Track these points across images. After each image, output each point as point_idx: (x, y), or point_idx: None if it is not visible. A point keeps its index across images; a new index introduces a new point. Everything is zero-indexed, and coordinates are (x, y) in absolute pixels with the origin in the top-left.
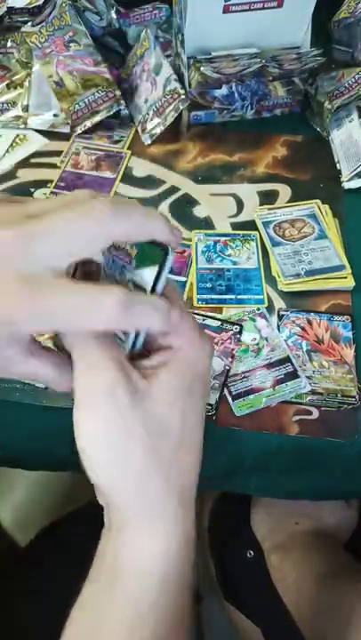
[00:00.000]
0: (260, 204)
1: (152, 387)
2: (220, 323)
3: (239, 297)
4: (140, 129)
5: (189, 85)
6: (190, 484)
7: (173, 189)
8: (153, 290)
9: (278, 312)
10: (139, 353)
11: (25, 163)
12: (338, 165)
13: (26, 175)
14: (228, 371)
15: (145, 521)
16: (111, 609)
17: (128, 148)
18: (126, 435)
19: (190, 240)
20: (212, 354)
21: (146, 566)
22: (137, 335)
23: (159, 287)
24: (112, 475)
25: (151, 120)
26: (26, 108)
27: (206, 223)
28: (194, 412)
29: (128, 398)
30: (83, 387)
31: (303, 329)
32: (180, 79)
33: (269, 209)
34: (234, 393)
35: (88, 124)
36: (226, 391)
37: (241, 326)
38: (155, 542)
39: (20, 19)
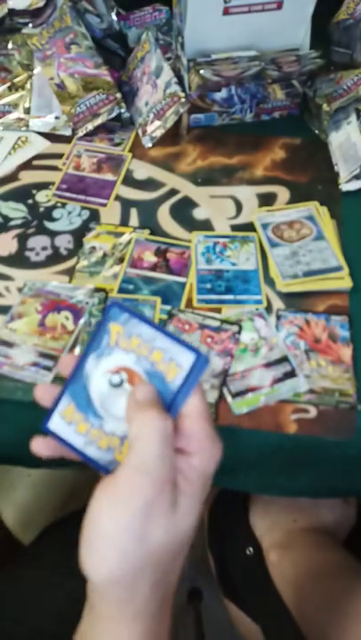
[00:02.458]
0: (259, 206)
1: (180, 499)
2: (219, 323)
3: (238, 297)
4: (140, 131)
5: (189, 88)
6: (174, 568)
7: (174, 192)
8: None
9: (277, 312)
10: None
11: (26, 165)
12: (336, 167)
13: (27, 177)
14: (227, 370)
15: (121, 608)
16: None
17: (129, 151)
18: (141, 545)
19: (190, 241)
20: (219, 460)
21: (119, 636)
22: None
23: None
24: (110, 573)
25: (152, 123)
26: (27, 111)
27: (206, 225)
28: (199, 510)
29: (164, 514)
30: (120, 483)
31: (301, 329)
32: (181, 82)
33: (268, 211)
34: (233, 392)
35: (89, 126)
36: (225, 390)
37: (240, 326)
38: (125, 624)
39: (20, 20)
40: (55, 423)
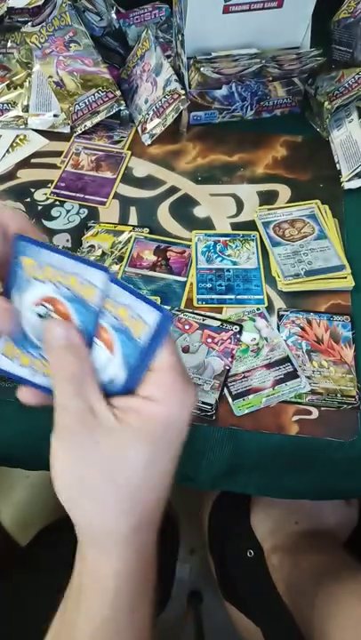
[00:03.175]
0: (260, 205)
1: (120, 428)
2: (220, 323)
3: (239, 297)
4: (140, 129)
5: (189, 86)
6: (150, 516)
7: (173, 190)
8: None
9: (278, 312)
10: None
11: (25, 163)
12: (338, 166)
13: (26, 175)
14: (228, 370)
15: (100, 542)
16: (77, 621)
17: (128, 149)
18: (87, 467)
19: (190, 240)
20: (193, 406)
21: (101, 583)
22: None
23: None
24: (71, 498)
25: (151, 120)
26: (26, 109)
27: (206, 223)
28: (162, 459)
29: (91, 437)
30: (56, 421)
31: (303, 329)
32: (181, 79)
33: (269, 209)
34: (234, 393)
35: (88, 124)
36: (226, 391)
37: (241, 326)
38: (108, 562)
39: (20, 19)
40: (2, 362)
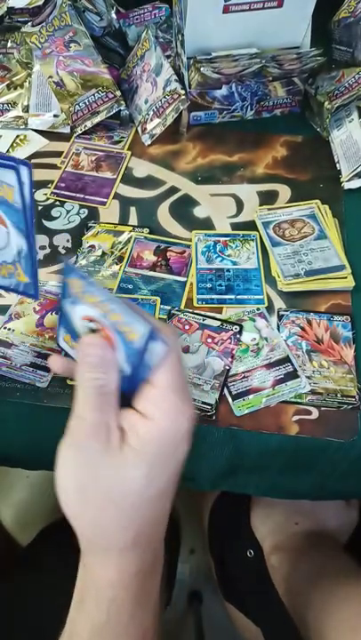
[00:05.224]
0: (260, 205)
1: (122, 448)
2: (219, 323)
3: (239, 297)
4: (140, 129)
5: (189, 86)
6: (149, 532)
7: (173, 190)
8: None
9: (278, 312)
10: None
11: None
12: (338, 165)
13: None
14: (228, 370)
15: (97, 551)
16: (78, 625)
17: (128, 149)
18: (92, 480)
19: (190, 240)
20: (188, 425)
21: (99, 591)
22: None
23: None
24: (73, 506)
25: (151, 120)
26: (26, 109)
27: (206, 223)
28: (159, 479)
29: (100, 452)
30: (70, 428)
31: (303, 329)
32: (181, 79)
33: (269, 209)
34: (234, 393)
35: (88, 124)
36: (226, 391)
37: (241, 326)
38: (106, 572)
39: (20, 19)
40: (62, 343)
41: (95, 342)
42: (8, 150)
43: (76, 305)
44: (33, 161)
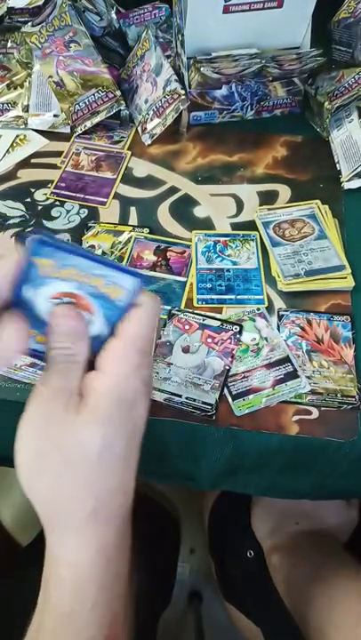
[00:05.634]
0: (260, 205)
1: (81, 409)
2: (219, 323)
3: (239, 297)
4: (140, 129)
5: (189, 86)
6: (109, 507)
7: (173, 190)
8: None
9: (278, 312)
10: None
11: (25, 163)
12: (338, 166)
13: (26, 175)
14: (228, 370)
15: (55, 526)
16: (43, 614)
17: (128, 149)
18: (49, 447)
19: (190, 240)
20: (147, 385)
21: (61, 575)
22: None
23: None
24: (29, 473)
25: (151, 120)
26: (26, 109)
27: (206, 223)
28: (116, 443)
29: (58, 417)
30: (34, 393)
31: (303, 329)
32: (181, 79)
33: (269, 209)
34: (234, 393)
35: (88, 124)
36: (226, 391)
37: (241, 326)
38: (65, 552)
39: (20, 19)
40: (36, 345)
41: (66, 313)
42: (8, 150)
43: (43, 286)
44: (33, 161)
